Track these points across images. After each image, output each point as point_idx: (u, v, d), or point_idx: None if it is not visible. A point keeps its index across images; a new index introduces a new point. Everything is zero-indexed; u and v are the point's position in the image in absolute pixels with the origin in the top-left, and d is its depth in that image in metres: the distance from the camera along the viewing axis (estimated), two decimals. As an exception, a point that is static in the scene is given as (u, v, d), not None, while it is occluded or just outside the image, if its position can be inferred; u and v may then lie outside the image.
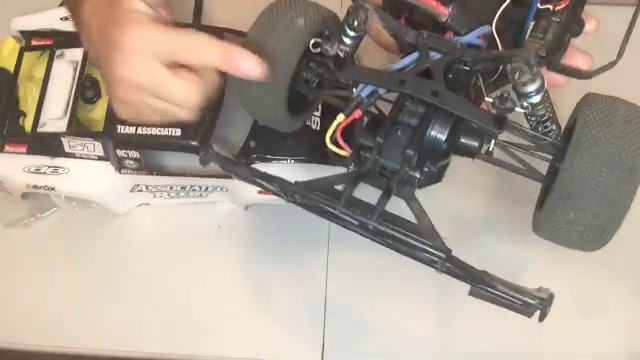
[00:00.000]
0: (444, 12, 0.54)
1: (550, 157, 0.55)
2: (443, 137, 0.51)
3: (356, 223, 0.50)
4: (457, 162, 0.56)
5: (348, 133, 0.55)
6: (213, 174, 0.72)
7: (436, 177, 0.54)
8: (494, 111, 0.50)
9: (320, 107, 0.73)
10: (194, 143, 0.69)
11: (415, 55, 0.53)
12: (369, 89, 0.54)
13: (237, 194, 0.75)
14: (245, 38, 0.57)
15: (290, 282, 0.75)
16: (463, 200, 0.75)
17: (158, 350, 0.73)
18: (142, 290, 0.75)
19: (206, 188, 0.75)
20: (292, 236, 0.76)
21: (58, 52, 0.75)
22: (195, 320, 0.73)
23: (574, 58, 0.56)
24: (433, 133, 0.51)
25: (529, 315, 0.48)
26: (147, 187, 0.75)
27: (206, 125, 0.69)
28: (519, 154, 0.57)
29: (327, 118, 0.70)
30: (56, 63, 0.74)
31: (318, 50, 0.55)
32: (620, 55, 0.54)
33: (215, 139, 0.70)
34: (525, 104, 0.51)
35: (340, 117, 0.54)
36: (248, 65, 0.49)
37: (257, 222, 0.78)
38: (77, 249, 0.77)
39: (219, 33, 0.75)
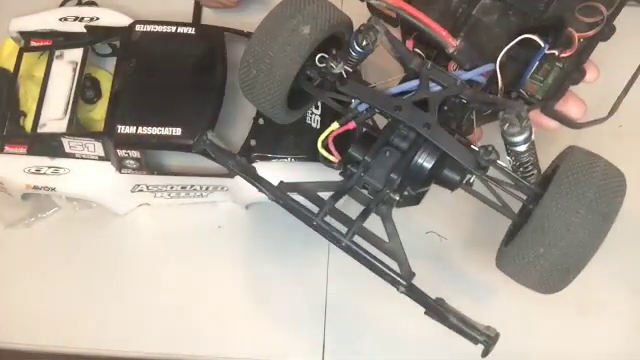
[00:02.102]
0: (452, 44, 0.56)
1: (524, 198, 0.56)
2: (429, 166, 0.54)
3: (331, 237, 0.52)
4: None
5: (340, 140, 0.56)
6: (213, 173, 0.72)
7: (414, 200, 0.56)
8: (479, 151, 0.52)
9: (320, 105, 0.74)
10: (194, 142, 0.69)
11: (415, 83, 0.55)
12: (366, 104, 0.56)
13: (238, 193, 0.75)
14: (252, 35, 0.57)
15: (290, 282, 0.75)
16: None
17: (158, 350, 0.73)
18: (142, 290, 0.75)
19: (206, 188, 0.75)
20: (293, 236, 0.76)
21: (57, 53, 0.75)
22: (195, 320, 0.73)
23: (566, 104, 0.57)
24: (420, 161, 0.54)
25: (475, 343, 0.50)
26: (147, 187, 0.75)
27: (206, 124, 0.69)
28: (497, 189, 0.58)
29: (327, 117, 0.70)
30: (55, 64, 0.74)
31: (323, 65, 0.56)
32: (612, 112, 0.55)
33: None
34: (510, 150, 0.54)
35: (334, 125, 0.56)
36: None
37: (258, 222, 0.78)
38: (77, 249, 0.77)
39: (219, 33, 0.75)
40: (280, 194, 0.53)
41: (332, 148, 0.56)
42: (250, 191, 0.72)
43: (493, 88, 0.56)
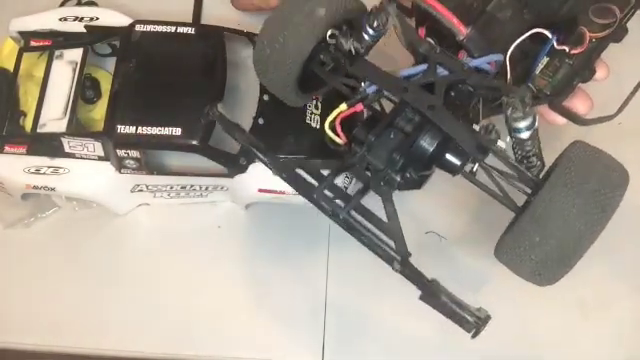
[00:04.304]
0: (462, 31, 0.56)
1: (529, 191, 0.56)
2: (430, 149, 0.54)
3: (329, 210, 0.53)
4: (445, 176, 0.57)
5: (347, 124, 0.57)
6: (213, 173, 0.72)
7: (416, 184, 0.57)
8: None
9: (320, 105, 0.74)
10: (194, 142, 0.69)
11: (422, 67, 0.56)
12: (375, 87, 0.57)
13: (237, 193, 0.75)
14: (268, 16, 0.58)
15: (290, 282, 0.75)
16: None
17: (158, 350, 0.73)
18: (142, 290, 0.75)
19: (206, 188, 0.75)
20: (292, 236, 0.76)
21: (57, 53, 0.75)
22: (195, 320, 0.73)
23: (573, 100, 0.57)
24: (422, 143, 0.54)
25: (468, 330, 0.51)
26: (147, 187, 0.75)
27: (206, 124, 0.69)
28: (501, 181, 0.58)
29: (327, 117, 0.70)
30: (55, 63, 0.74)
31: (333, 41, 0.57)
32: (620, 111, 0.55)
33: (215, 138, 0.70)
34: (514, 137, 0.54)
35: (343, 106, 0.56)
36: None
37: (257, 222, 0.78)
38: (77, 249, 0.77)
39: (219, 33, 0.75)
40: (284, 168, 0.54)
41: (339, 130, 0.56)
42: (250, 190, 0.73)
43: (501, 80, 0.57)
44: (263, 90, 0.74)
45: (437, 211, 0.77)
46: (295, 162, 0.55)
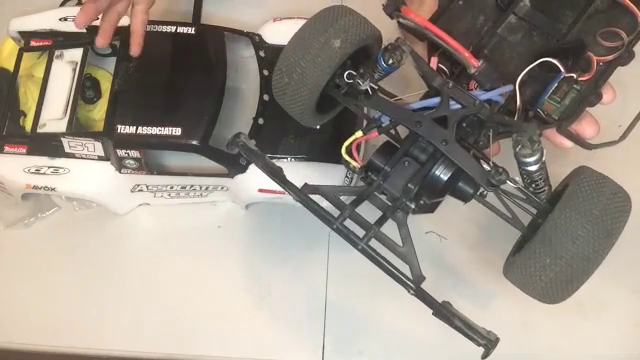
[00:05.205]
0: (475, 65, 0.57)
1: (535, 212, 0.58)
2: (445, 179, 0.56)
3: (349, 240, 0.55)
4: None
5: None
6: (213, 173, 0.72)
7: (429, 209, 0.59)
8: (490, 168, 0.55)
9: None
10: (194, 142, 0.69)
11: (435, 100, 0.57)
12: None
13: (237, 193, 0.75)
14: (287, 44, 0.60)
15: (290, 282, 0.75)
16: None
17: (158, 350, 0.73)
18: (142, 290, 0.75)
19: (206, 187, 0.75)
20: (292, 236, 0.77)
21: (57, 53, 0.75)
22: (195, 320, 0.73)
23: (581, 124, 0.58)
24: (437, 173, 0.56)
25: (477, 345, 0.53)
26: (147, 187, 0.75)
27: (206, 124, 0.69)
28: (508, 202, 0.60)
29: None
30: (55, 63, 0.74)
31: (351, 81, 0.59)
32: (624, 137, 0.57)
33: (215, 138, 0.70)
34: (522, 169, 0.56)
35: (358, 133, 0.59)
36: None
37: (257, 222, 0.78)
38: (77, 249, 0.77)
39: (219, 33, 0.75)
40: (304, 197, 0.55)
41: (355, 154, 0.59)
42: (250, 190, 0.73)
43: (512, 106, 0.58)
44: (263, 90, 0.74)
45: (438, 211, 0.77)
46: (313, 188, 0.56)
